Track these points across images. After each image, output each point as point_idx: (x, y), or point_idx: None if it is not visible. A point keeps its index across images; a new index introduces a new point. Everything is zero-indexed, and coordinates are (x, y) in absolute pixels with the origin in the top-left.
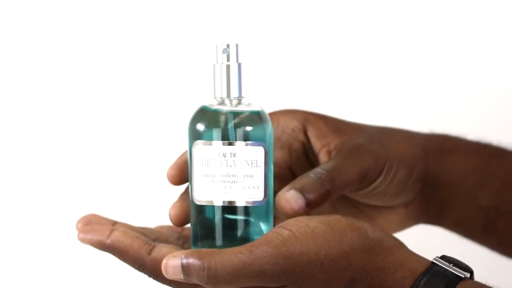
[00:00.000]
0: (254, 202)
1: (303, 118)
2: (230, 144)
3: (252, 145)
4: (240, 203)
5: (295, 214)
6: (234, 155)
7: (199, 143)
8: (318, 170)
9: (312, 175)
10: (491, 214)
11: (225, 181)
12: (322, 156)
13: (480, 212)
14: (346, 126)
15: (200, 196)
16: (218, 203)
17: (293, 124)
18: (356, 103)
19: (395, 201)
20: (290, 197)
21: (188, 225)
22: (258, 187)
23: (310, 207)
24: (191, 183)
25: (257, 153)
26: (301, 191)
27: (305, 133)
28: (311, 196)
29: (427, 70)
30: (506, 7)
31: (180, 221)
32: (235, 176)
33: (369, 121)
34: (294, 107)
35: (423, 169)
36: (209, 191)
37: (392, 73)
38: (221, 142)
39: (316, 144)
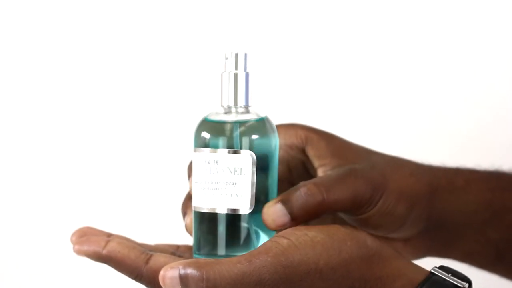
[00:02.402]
0: (237, 210)
1: (305, 137)
2: (236, 152)
3: (236, 152)
4: (221, 210)
5: (278, 228)
6: (217, 162)
7: (193, 151)
8: (309, 184)
9: (301, 189)
10: (502, 246)
11: (209, 188)
12: (320, 174)
13: (490, 245)
14: (348, 151)
15: (194, 202)
16: (203, 209)
17: (291, 141)
18: (360, 110)
19: (390, 235)
20: (274, 211)
21: (186, 242)
22: (242, 195)
23: (296, 223)
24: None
25: (242, 161)
26: (287, 205)
27: (303, 151)
28: (296, 211)
29: (427, 72)
30: (504, 10)
31: None
32: (217, 183)
33: (373, 123)
34: (299, 117)
35: (427, 208)
36: (197, 198)
37: (395, 76)
38: (226, 150)
39: (314, 162)
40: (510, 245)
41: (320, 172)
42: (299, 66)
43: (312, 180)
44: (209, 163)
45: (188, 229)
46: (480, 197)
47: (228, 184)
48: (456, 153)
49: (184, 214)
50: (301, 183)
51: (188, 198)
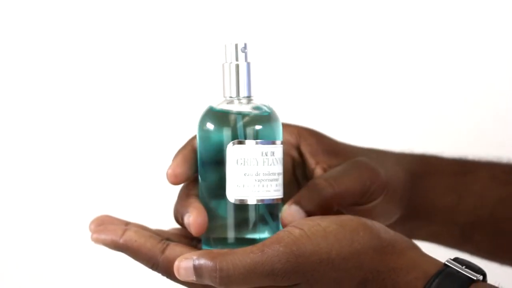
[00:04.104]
0: (281, 199)
1: (297, 133)
2: (240, 142)
3: (263, 143)
4: (274, 200)
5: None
6: (273, 153)
7: (235, 143)
8: (317, 180)
9: (310, 185)
10: (467, 228)
11: (266, 180)
12: (318, 172)
13: (455, 227)
14: (336, 147)
15: (238, 195)
16: (253, 201)
17: (285, 138)
18: (360, 102)
19: (384, 224)
20: (290, 213)
21: None
22: (281, 184)
23: None
24: (225, 182)
25: (281, 151)
26: (301, 205)
27: (298, 148)
28: (311, 209)
29: (428, 72)
30: (504, 10)
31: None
32: (274, 174)
33: (374, 121)
34: (301, 109)
35: (408, 196)
36: (250, 190)
37: (396, 75)
38: (231, 142)
39: (311, 160)
40: (475, 228)
41: (319, 170)
42: (302, 57)
43: (324, 176)
44: (266, 155)
45: (197, 227)
46: (445, 182)
47: (280, 174)
48: (456, 154)
49: (183, 214)
50: (310, 181)
51: (188, 195)
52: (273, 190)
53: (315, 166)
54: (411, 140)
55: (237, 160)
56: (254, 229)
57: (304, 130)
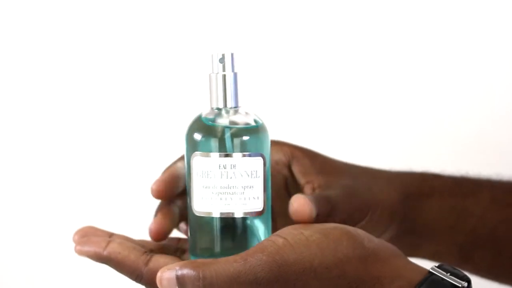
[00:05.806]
0: (254, 212)
1: (290, 153)
2: (227, 155)
3: (250, 156)
4: (239, 214)
5: (304, 220)
6: (234, 166)
7: (197, 155)
8: (322, 195)
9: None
10: (466, 248)
11: (225, 193)
12: (307, 190)
13: (455, 247)
14: (331, 167)
15: (200, 208)
16: (217, 214)
17: (278, 157)
18: (350, 113)
19: None
20: (307, 204)
21: (184, 236)
22: (258, 197)
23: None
24: (190, 194)
25: (257, 163)
26: (315, 203)
27: (289, 167)
28: (319, 211)
29: (425, 78)
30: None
31: (159, 237)
32: (235, 187)
33: (367, 128)
34: (289, 119)
35: (401, 215)
36: (210, 203)
37: (390, 79)
38: (218, 153)
39: (300, 179)
40: (474, 247)
41: (308, 189)
42: (290, 66)
43: (324, 194)
44: (225, 168)
45: (153, 233)
46: (444, 203)
47: (246, 187)
48: (454, 159)
49: (156, 216)
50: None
51: (168, 201)
52: (233, 204)
53: (304, 184)
54: (410, 149)
55: (197, 172)
56: (221, 242)
57: (298, 151)
